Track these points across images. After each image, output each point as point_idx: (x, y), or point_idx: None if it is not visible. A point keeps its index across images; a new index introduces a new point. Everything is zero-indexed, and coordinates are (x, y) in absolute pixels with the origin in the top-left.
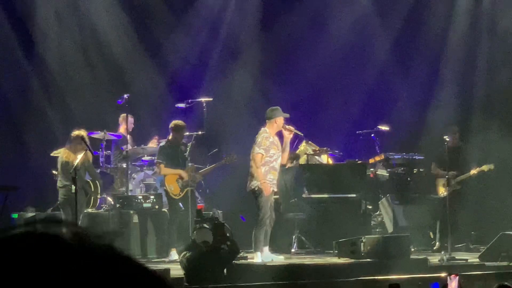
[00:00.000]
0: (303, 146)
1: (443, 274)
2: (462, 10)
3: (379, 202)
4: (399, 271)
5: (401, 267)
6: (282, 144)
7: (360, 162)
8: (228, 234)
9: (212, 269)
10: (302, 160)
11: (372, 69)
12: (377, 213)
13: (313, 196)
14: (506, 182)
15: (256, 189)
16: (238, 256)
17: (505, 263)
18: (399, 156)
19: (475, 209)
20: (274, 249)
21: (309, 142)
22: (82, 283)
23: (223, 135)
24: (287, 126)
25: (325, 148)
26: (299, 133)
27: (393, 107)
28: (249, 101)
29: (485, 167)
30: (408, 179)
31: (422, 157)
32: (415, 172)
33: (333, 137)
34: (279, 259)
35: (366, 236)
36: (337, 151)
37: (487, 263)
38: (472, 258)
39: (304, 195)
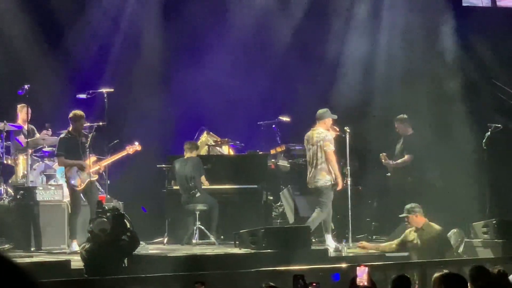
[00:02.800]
0: (204, 137)
1: (344, 265)
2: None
3: (280, 193)
4: (300, 262)
5: (302, 258)
6: None
7: (261, 153)
8: (128, 225)
9: (112, 260)
10: (204, 151)
11: (273, 60)
12: (278, 204)
13: (214, 187)
14: (405, 175)
15: (331, 183)
16: (139, 247)
17: (405, 254)
18: (300, 147)
19: (377, 200)
20: (176, 240)
21: (210, 133)
22: None
23: (124, 126)
24: (333, 127)
25: (226, 139)
26: (342, 134)
27: (294, 98)
28: (150, 92)
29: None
30: None
31: None
32: None
33: (234, 128)
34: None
35: (267, 227)
36: (238, 142)
37: (387, 254)
38: None
39: (204, 186)
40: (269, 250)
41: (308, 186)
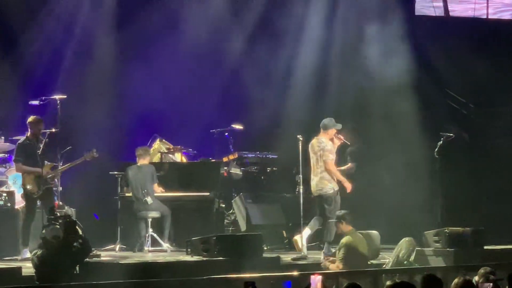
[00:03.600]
0: (157, 144)
1: (295, 273)
2: (316, 10)
3: (233, 201)
4: (252, 270)
5: (253, 266)
6: None
7: (213, 160)
8: (80, 232)
9: (64, 267)
10: (156, 158)
11: (226, 68)
12: (230, 211)
13: (166, 194)
14: (360, 181)
15: (334, 190)
16: (91, 254)
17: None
18: (253, 155)
19: None
20: (128, 247)
21: (163, 140)
22: None
23: (76, 133)
24: (338, 135)
25: (179, 146)
26: (347, 142)
27: (246, 106)
28: (103, 99)
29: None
30: (262, 177)
31: (276, 156)
32: (268, 170)
33: (187, 135)
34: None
35: (219, 235)
36: (191, 150)
37: None
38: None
39: (157, 194)
40: (220, 258)
41: (312, 194)
